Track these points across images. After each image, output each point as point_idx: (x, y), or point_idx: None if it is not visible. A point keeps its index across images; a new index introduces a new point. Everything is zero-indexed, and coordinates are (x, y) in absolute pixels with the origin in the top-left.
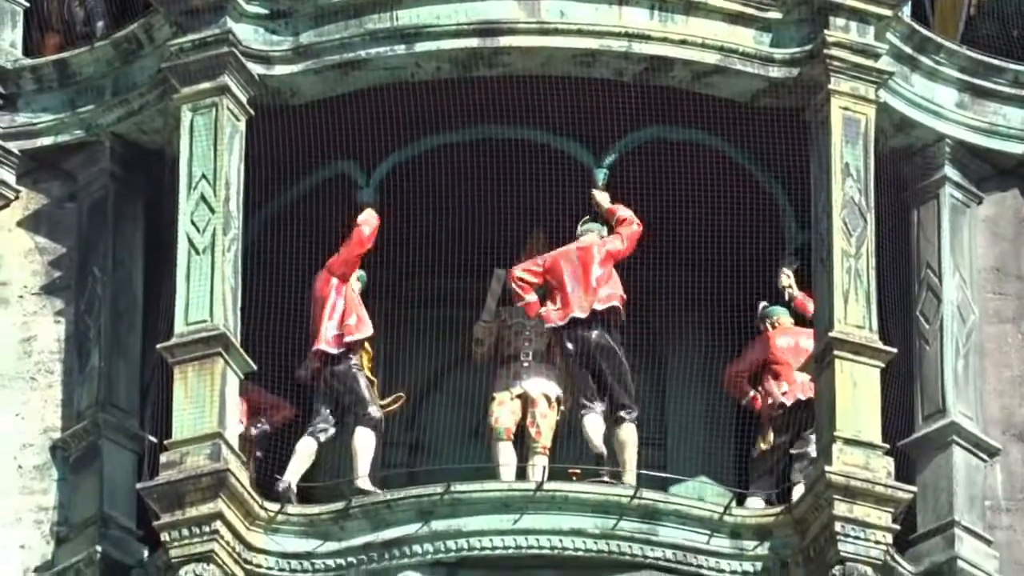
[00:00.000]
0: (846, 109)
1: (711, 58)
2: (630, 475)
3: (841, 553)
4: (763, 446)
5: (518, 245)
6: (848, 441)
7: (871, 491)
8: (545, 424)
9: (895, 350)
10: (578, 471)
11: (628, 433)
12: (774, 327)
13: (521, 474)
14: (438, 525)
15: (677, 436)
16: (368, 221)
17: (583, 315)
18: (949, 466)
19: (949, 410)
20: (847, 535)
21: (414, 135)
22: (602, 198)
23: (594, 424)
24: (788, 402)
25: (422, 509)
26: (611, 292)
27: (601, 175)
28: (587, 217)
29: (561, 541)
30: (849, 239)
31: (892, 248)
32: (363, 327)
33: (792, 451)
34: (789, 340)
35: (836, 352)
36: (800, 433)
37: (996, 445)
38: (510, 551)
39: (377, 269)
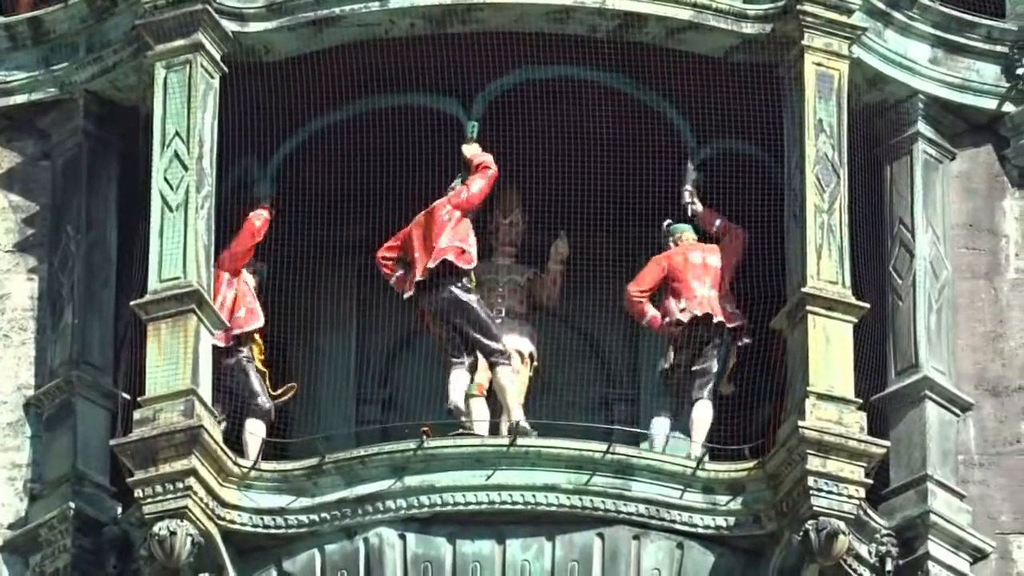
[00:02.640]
0: (819, 65)
1: (684, 14)
2: (514, 415)
3: (814, 508)
4: (664, 365)
5: (491, 201)
6: (821, 396)
7: (844, 446)
8: (518, 380)
9: (868, 305)
10: (427, 427)
11: (505, 378)
12: (677, 244)
13: (494, 430)
14: (411, 481)
15: (650, 392)
16: (259, 214)
17: (422, 277)
18: (922, 421)
19: (922, 365)
20: (820, 490)
21: (385, 89)
22: (469, 151)
23: (458, 378)
24: (684, 319)
25: (395, 465)
26: (447, 245)
27: (472, 128)
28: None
29: (534, 496)
30: (822, 195)
31: (865, 204)
32: (252, 319)
33: (693, 368)
34: (695, 256)
35: (809, 307)
36: (701, 350)
37: (969, 400)
38: (483, 506)
39: (350, 226)
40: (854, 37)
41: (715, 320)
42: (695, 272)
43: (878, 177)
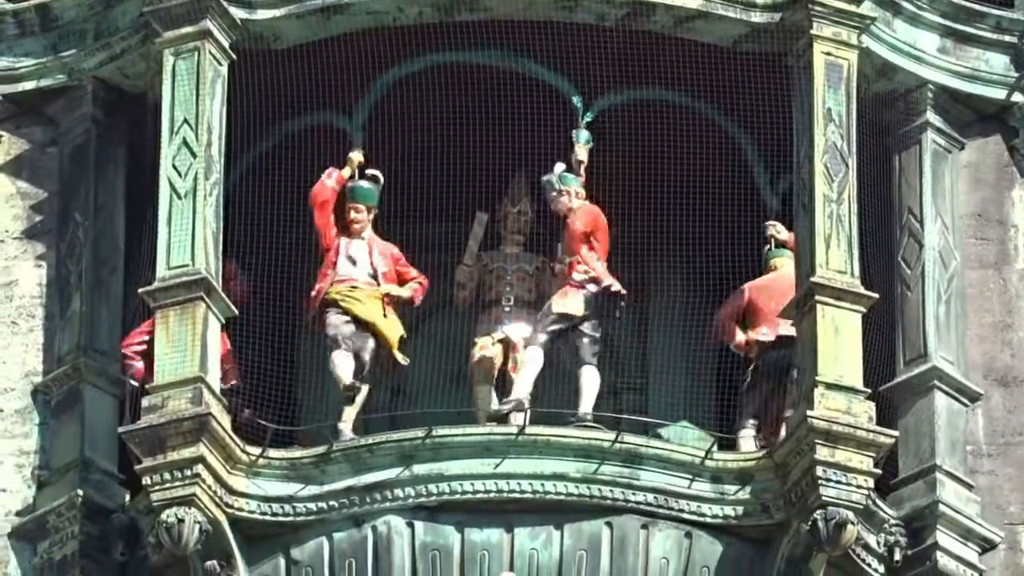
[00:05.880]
0: (828, 54)
1: (693, 3)
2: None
3: (823, 497)
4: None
5: (500, 189)
6: (830, 386)
7: (853, 436)
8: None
9: (877, 295)
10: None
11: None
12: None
13: (502, 418)
14: (419, 469)
15: (658, 381)
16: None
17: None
18: (931, 411)
19: (931, 355)
20: (829, 479)
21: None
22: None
23: (342, 357)
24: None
25: (404, 453)
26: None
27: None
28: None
29: (543, 485)
30: (831, 184)
31: (874, 194)
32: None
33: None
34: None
35: (818, 297)
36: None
37: (978, 390)
38: (491, 495)
39: None
40: (863, 26)
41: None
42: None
43: (887, 167)
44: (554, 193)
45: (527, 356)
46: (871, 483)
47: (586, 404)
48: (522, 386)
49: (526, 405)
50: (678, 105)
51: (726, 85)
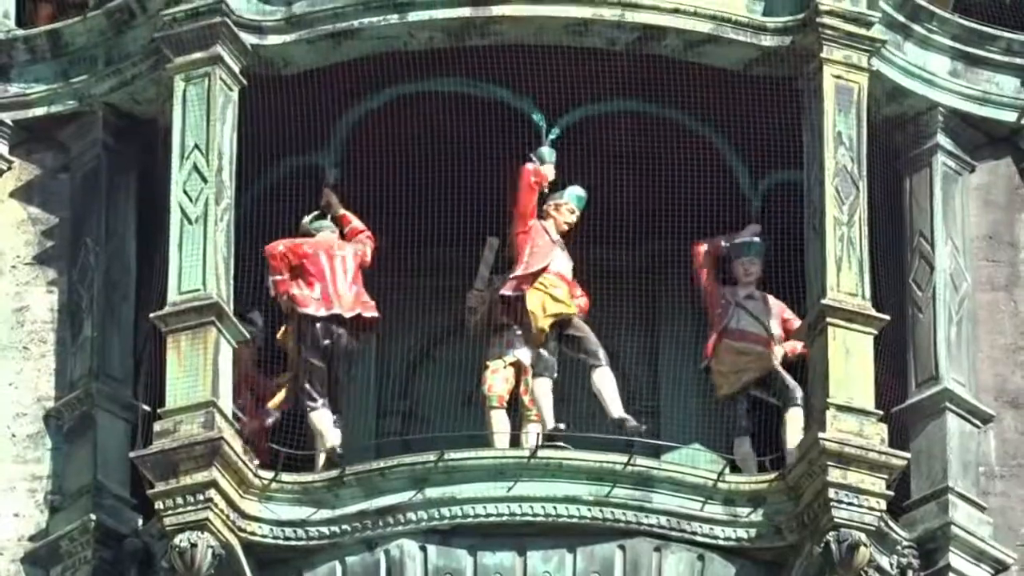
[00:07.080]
0: (839, 78)
1: (704, 27)
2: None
3: (835, 519)
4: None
5: (509, 213)
6: (841, 408)
7: (865, 458)
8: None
9: (888, 317)
10: None
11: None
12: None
13: (515, 442)
14: (432, 493)
15: (670, 404)
16: None
17: (347, 314)
18: (943, 433)
19: (942, 377)
20: (841, 502)
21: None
22: (335, 200)
23: (324, 418)
24: None
25: (416, 477)
26: (365, 300)
27: (333, 174)
28: (316, 213)
29: (555, 508)
30: (842, 207)
31: (885, 216)
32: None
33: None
34: None
35: (829, 319)
36: None
37: (989, 411)
38: (504, 518)
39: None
40: (873, 50)
41: None
42: None
43: (898, 189)
44: (575, 208)
45: (602, 378)
46: (883, 505)
47: (615, 408)
48: (615, 407)
49: (633, 421)
50: (686, 128)
51: (723, 107)
